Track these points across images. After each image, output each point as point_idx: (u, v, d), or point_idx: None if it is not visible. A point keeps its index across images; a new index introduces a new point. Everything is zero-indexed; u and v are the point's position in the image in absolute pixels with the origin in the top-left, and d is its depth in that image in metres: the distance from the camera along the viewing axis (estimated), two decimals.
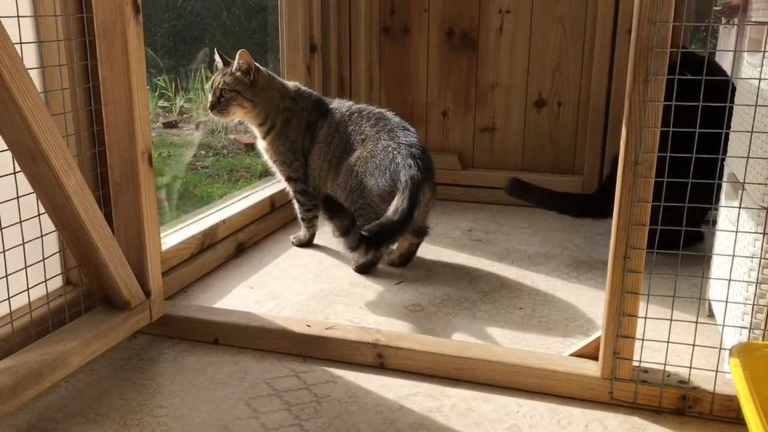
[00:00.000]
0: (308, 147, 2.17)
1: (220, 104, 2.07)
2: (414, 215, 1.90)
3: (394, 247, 2.10)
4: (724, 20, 2.02)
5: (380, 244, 1.85)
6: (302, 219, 2.28)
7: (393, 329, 1.68)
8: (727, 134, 1.63)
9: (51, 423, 1.33)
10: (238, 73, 2.06)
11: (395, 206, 1.89)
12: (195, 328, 1.66)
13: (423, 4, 2.83)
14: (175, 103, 5.69)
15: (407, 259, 2.12)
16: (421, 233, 2.08)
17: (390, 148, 1.98)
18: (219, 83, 2.06)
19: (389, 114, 2.12)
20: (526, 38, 2.74)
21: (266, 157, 2.23)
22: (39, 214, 1.39)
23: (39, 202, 1.38)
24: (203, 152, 4.82)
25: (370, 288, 1.97)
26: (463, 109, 2.88)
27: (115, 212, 1.57)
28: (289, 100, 2.15)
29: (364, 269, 2.06)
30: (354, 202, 2.02)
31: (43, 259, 1.42)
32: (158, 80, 5.57)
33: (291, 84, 2.22)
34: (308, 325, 1.61)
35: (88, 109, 1.56)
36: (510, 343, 1.65)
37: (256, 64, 2.07)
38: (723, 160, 1.64)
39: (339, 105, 2.19)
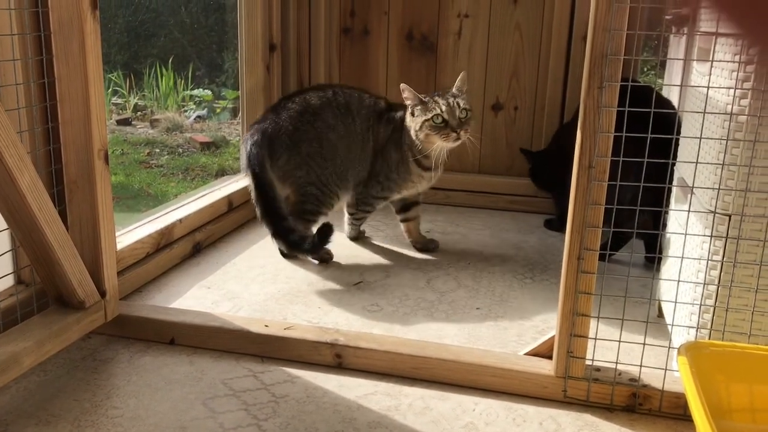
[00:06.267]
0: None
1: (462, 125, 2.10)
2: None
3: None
4: (674, 29, 2.08)
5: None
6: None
7: (351, 329, 1.69)
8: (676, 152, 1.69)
9: (1, 425, 1.30)
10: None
11: None
12: (150, 328, 1.64)
13: (383, 6, 2.84)
14: (129, 100, 5.59)
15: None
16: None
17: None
18: (462, 104, 2.09)
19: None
20: (484, 43, 2.78)
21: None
22: None
23: None
24: (158, 150, 4.75)
25: (329, 288, 1.97)
26: None
27: (70, 210, 1.55)
28: None
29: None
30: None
31: None
32: (112, 75, 5.46)
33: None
34: (266, 325, 1.61)
35: (43, 105, 1.53)
36: (467, 342, 1.68)
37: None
38: (673, 165, 1.69)
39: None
